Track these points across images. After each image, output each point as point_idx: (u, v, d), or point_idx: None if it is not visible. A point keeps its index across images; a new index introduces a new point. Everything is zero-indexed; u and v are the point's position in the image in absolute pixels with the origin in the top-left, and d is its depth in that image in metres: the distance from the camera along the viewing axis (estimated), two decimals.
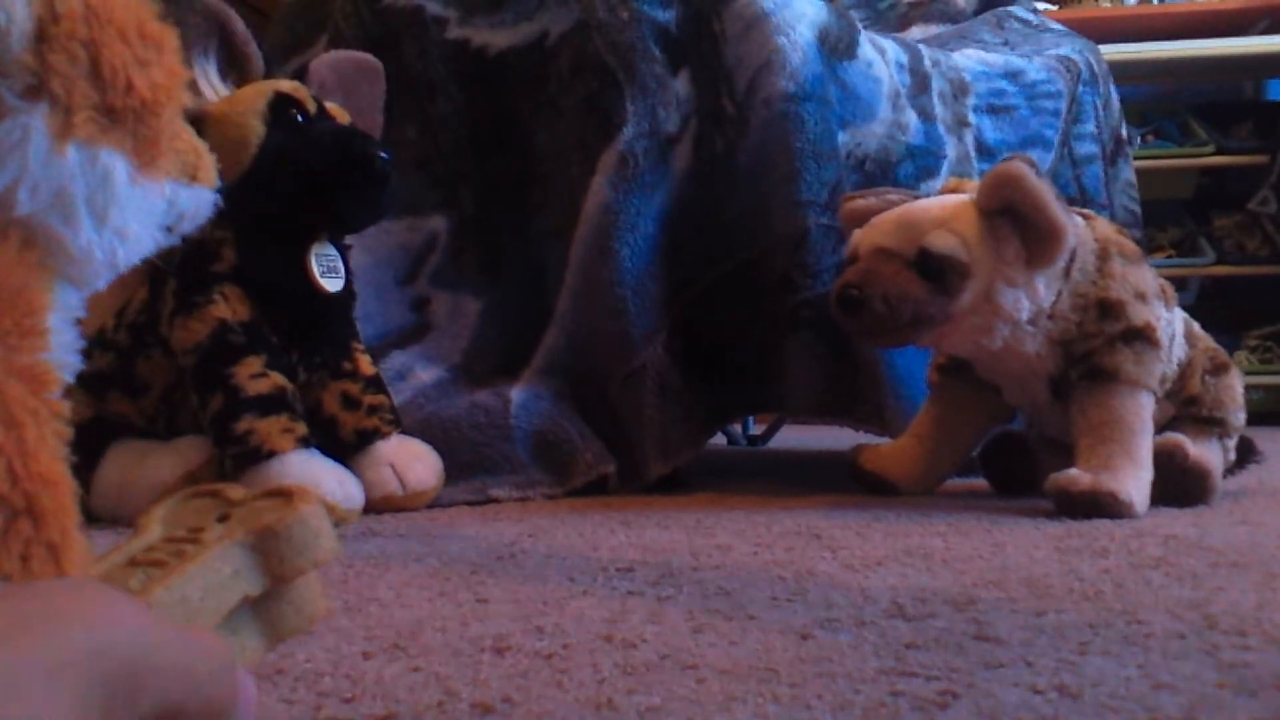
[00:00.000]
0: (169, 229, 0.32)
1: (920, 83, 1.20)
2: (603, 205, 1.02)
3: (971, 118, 1.24)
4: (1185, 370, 0.92)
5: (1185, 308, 0.96)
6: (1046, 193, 0.81)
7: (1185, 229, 2.54)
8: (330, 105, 0.87)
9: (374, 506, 0.85)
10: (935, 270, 0.82)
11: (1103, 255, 0.87)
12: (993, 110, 1.27)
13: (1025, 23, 1.53)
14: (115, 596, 0.21)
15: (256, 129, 0.80)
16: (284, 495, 0.26)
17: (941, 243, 0.82)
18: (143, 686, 0.20)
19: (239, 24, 0.80)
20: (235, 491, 0.28)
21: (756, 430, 2.00)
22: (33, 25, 0.27)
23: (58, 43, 0.27)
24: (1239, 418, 0.94)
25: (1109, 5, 2.58)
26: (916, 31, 1.59)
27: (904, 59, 1.20)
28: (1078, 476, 0.80)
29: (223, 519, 0.26)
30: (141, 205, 0.30)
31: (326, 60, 0.92)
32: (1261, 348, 2.43)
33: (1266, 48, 2.43)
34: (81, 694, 0.18)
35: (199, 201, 0.33)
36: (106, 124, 0.29)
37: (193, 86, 0.74)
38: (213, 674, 0.21)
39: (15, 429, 0.25)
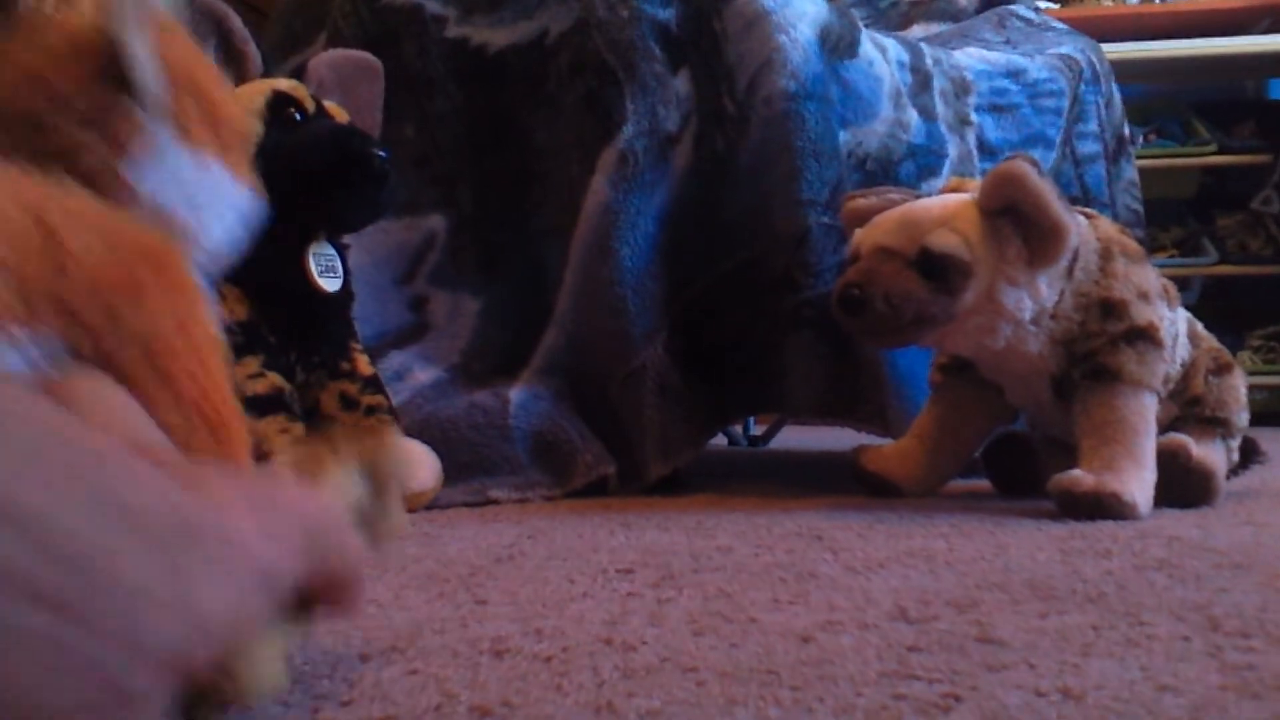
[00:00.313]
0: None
1: (922, 81, 1.20)
2: (602, 204, 1.01)
3: (973, 116, 1.24)
4: (1188, 370, 0.92)
5: (1188, 307, 0.96)
6: (1049, 192, 0.80)
7: (1188, 228, 2.54)
8: (329, 104, 0.87)
9: None
10: (937, 270, 0.82)
11: (1105, 255, 0.86)
12: (995, 109, 1.27)
13: (1027, 21, 1.53)
14: (302, 483, 0.32)
15: (254, 128, 0.80)
16: (378, 431, 0.41)
17: (943, 242, 0.82)
18: (320, 541, 0.29)
19: (237, 22, 0.80)
20: (340, 434, 0.39)
21: (757, 431, 2.00)
22: (158, 70, 0.36)
23: (179, 83, 0.37)
24: (1242, 418, 0.93)
25: (1111, 4, 2.58)
26: (918, 30, 1.59)
27: (905, 57, 1.20)
28: (1081, 477, 0.79)
29: (333, 451, 0.35)
30: (235, 204, 0.38)
31: (325, 59, 0.91)
32: (1265, 348, 2.42)
33: (1268, 46, 2.43)
34: (288, 545, 0.28)
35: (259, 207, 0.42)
36: (211, 138, 0.37)
37: None
38: (349, 534, 0.32)
39: (220, 370, 0.34)
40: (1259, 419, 1.20)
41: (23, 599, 0.20)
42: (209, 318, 0.34)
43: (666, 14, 1.06)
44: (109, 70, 0.35)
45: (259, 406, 0.79)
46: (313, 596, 0.30)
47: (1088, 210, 0.93)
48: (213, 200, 0.37)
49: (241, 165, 0.39)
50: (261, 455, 0.77)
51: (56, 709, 0.20)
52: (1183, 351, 0.91)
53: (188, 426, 0.32)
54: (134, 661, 0.22)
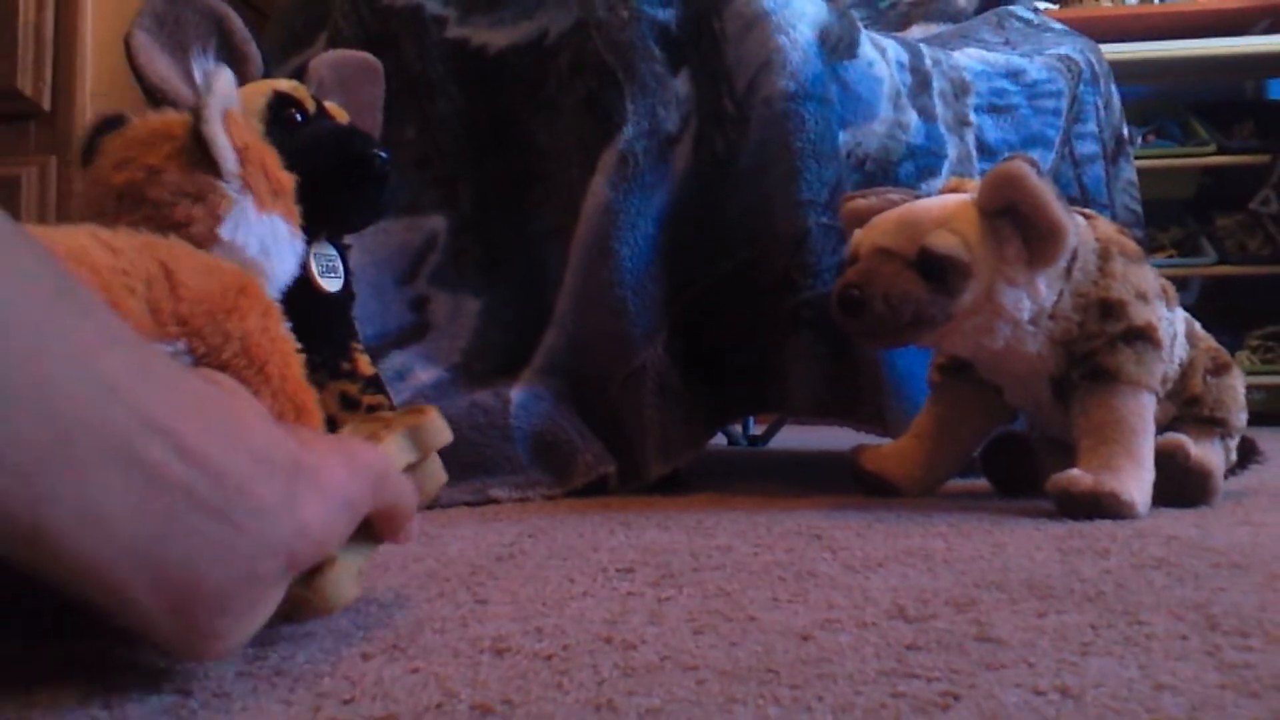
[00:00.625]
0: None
1: (921, 82, 1.20)
2: (602, 205, 1.01)
3: (972, 117, 1.24)
4: (1187, 370, 0.92)
5: (1186, 307, 0.96)
6: (1048, 192, 0.81)
7: (1187, 229, 2.54)
8: (330, 105, 0.87)
9: None
10: (936, 270, 0.82)
11: (1104, 255, 0.87)
12: (994, 109, 1.27)
13: (1026, 22, 1.53)
14: (368, 443, 0.42)
15: (255, 128, 0.80)
16: (420, 410, 0.45)
17: (942, 242, 0.82)
18: (384, 485, 0.40)
19: (238, 23, 0.80)
20: (389, 415, 0.46)
21: (757, 430, 2.00)
22: (235, 155, 0.49)
23: (248, 159, 0.50)
24: (1241, 418, 0.94)
25: (1110, 4, 2.58)
26: (917, 31, 1.59)
27: (905, 58, 1.20)
28: (1079, 477, 0.80)
29: (386, 424, 0.45)
30: (291, 249, 0.52)
31: (326, 59, 0.91)
32: (1263, 348, 2.42)
33: (1267, 47, 2.43)
34: (364, 485, 0.38)
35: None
36: (274, 200, 0.50)
37: (191, 86, 0.74)
38: (405, 482, 0.42)
39: (296, 365, 0.46)
40: (1257, 419, 1.20)
41: (200, 511, 0.32)
42: (284, 327, 0.47)
43: (666, 15, 1.06)
44: (204, 158, 0.47)
45: None
46: (378, 528, 0.41)
47: (1086, 211, 0.93)
48: (277, 246, 0.50)
49: (294, 218, 0.52)
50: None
51: (219, 582, 0.32)
52: (1181, 351, 0.91)
53: (278, 405, 0.44)
54: (265, 554, 0.33)
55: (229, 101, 0.50)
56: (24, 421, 0.28)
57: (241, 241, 0.48)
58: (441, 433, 0.46)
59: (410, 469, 0.44)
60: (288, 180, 0.52)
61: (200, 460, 0.32)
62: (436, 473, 0.46)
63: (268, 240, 0.49)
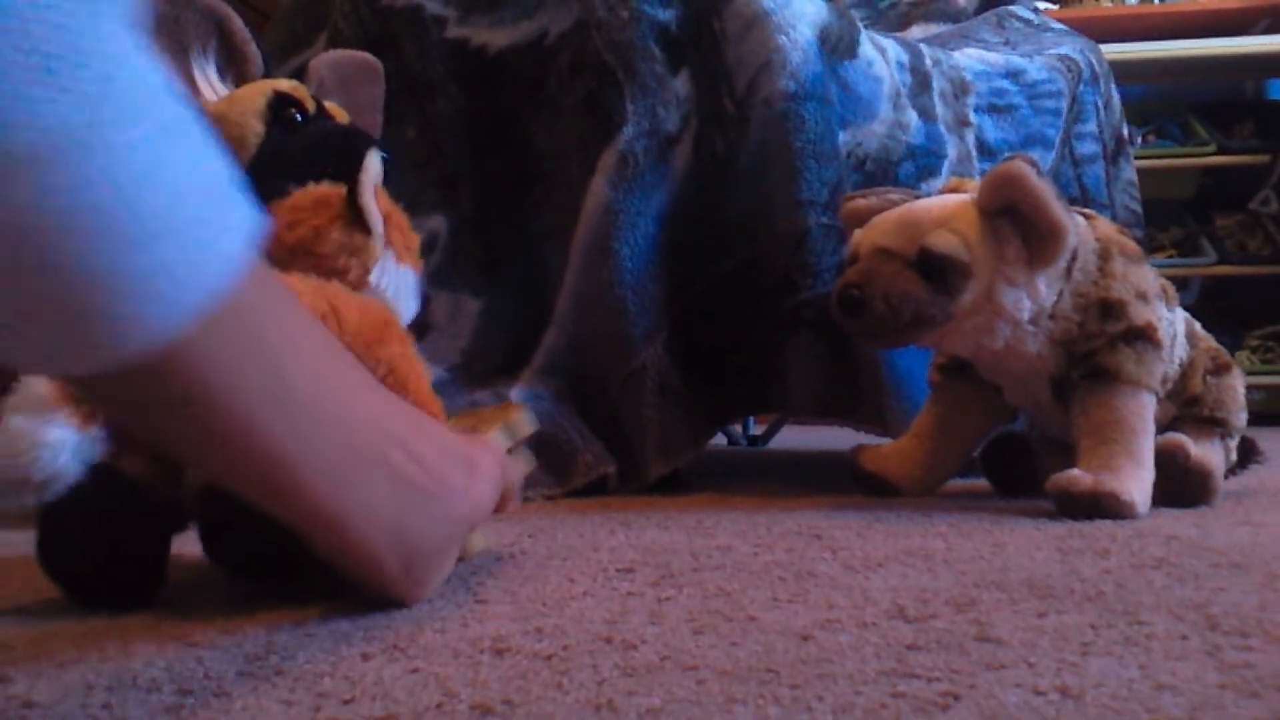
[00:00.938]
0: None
1: (921, 82, 1.20)
2: (603, 205, 1.01)
3: (972, 117, 1.24)
4: (1187, 370, 0.92)
5: (1186, 307, 0.96)
6: (1048, 192, 0.81)
7: (1187, 229, 2.54)
8: (329, 104, 0.87)
9: None
10: (936, 270, 0.82)
11: (1104, 255, 0.87)
12: (994, 109, 1.27)
13: (1026, 22, 1.53)
14: (487, 436, 0.57)
15: (255, 128, 0.80)
16: (508, 406, 0.58)
17: (942, 242, 0.82)
18: (504, 470, 0.53)
19: (238, 23, 0.80)
20: (482, 410, 0.62)
21: (757, 430, 2.00)
22: (381, 220, 0.59)
23: (391, 223, 0.60)
24: (1241, 418, 0.94)
25: (1110, 4, 2.58)
26: (917, 31, 1.59)
27: (905, 58, 1.20)
28: (1079, 477, 0.80)
29: (481, 419, 0.61)
30: (417, 291, 0.62)
31: (326, 59, 0.91)
32: (1263, 348, 2.43)
33: (1267, 47, 2.43)
34: (499, 470, 0.52)
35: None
36: (407, 254, 0.61)
37: (191, 86, 0.74)
38: (514, 467, 0.56)
39: (412, 374, 0.56)
40: (1257, 419, 1.20)
41: (423, 495, 0.45)
42: (415, 351, 0.58)
43: (666, 15, 1.06)
44: (358, 221, 0.58)
45: None
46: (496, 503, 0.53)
47: (1086, 210, 0.93)
48: (407, 289, 0.61)
49: (418, 265, 0.63)
50: None
51: (434, 546, 0.47)
52: (1181, 351, 0.91)
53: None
54: (459, 523, 0.48)
55: (377, 178, 0.61)
56: (333, 443, 0.41)
57: (384, 286, 0.59)
58: (528, 425, 0.62)
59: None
60: (415, 239, 0.63)
61: (419, 458, 0.45)
62: (523, 460, 0.62)
63: (401, 286, 0.60)
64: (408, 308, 0.62)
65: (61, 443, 0.47)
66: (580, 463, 0.98)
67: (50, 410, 0.47)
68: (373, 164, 0.61)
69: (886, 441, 0.99)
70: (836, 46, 1.09)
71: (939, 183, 1.14)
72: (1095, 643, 0.42)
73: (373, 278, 0.59)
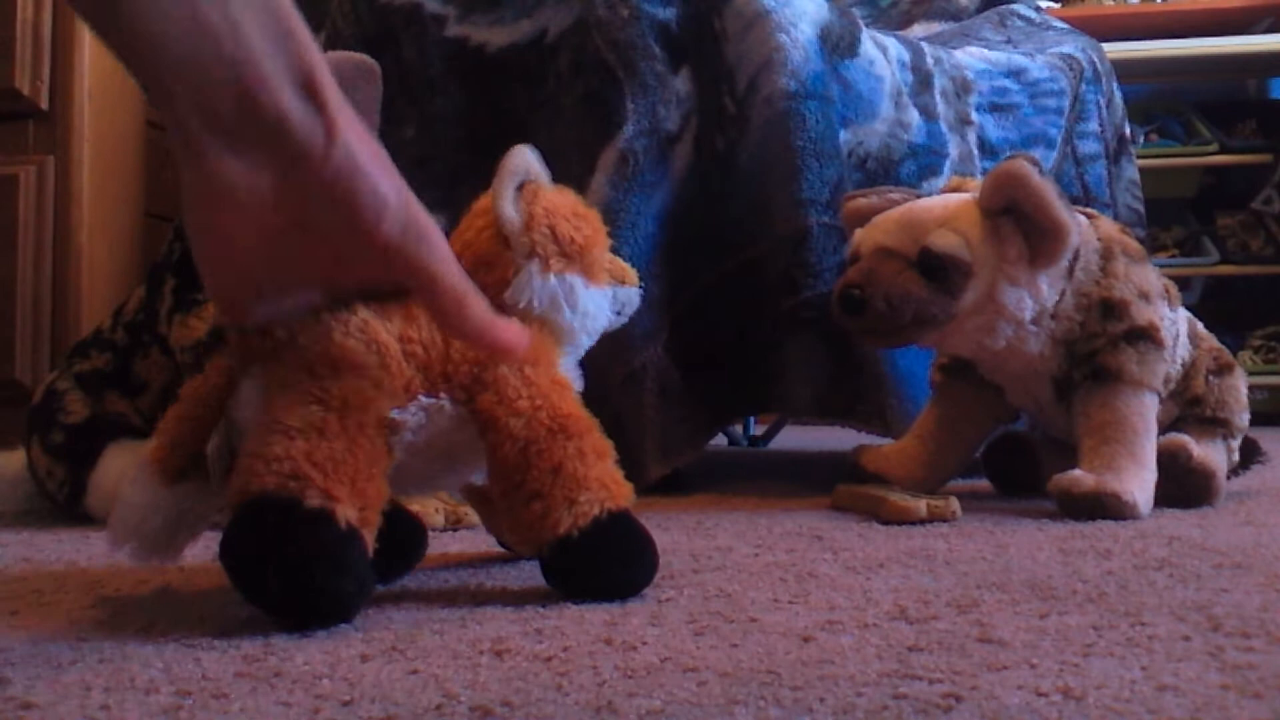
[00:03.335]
0: (617, 313, 0.59)
1: (922, 81, 1.20)
2: (603, 204, 1.01)
3: (974, 116, 1.24)
4: (1189, 370, 0.92)
5: (1188, 307, 0.96)
6: (1049, 192, 0.80)
7: (1189, 228, 2.54)
8: None
9: None
10: (937, 270, 0.82)
11: (1106, 254, 0.86)
12: (995, 108, 1.26)
13: (1028, 20, 1.53)
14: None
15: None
16: None
17: (944, 242, 0.82)
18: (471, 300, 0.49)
19: None
20: None
21: (757, 431, 2.00)
22: (522, 220, 0.54)
23: (534, 227, 0.54)
24: (1243, 418, 0.93)
25: (1112, 3, 2.58)
26: (919, 29, 1.59)
27: (906, 57, 1.20)
28: (1081, 477, 0.79)
29: None
30: (595, 301, 0.56)
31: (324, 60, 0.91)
32: (1265, 347, 2.42)
33: (1269, 46, 2.43)
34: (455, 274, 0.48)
35: (630, 296, 0.60)
36: (565, 262, 0.54)
37: None
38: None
39: (559, 395, 0.52)
40: (1259, 419, 1.20)
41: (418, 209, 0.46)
42: (547, 371, 0.52)
43: (667, 13, 1.05)
44: (499, 231, 0.54)
45: None
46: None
47: (1088, 210, 0.93)
48: (573, 300, 0.54)
49: (599, 275, 0.56)
50: None
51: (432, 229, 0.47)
52: (1183, 351, 0.90)
53: (530, 430, 0.51)
54: (427, 218, 0.47)
55: (523, 174, 0.56)
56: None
57: (526, 302, 0.53)
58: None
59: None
60: (581, 239, 0.55)
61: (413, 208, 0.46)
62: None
63: (559, 297, 0.54)
64: (576, 320, 0.55)
65: (155, 506, 0.49)
66: None
67: (151, 478, 0.49)
68: (513, 161, 0.56)
69: (888, 442, 0.99)
70: (838, 45, 1.09)
71: (940, 182, 1.14)
72: (1097, 644, 0.42)
73: (508, 295, 0.53)
